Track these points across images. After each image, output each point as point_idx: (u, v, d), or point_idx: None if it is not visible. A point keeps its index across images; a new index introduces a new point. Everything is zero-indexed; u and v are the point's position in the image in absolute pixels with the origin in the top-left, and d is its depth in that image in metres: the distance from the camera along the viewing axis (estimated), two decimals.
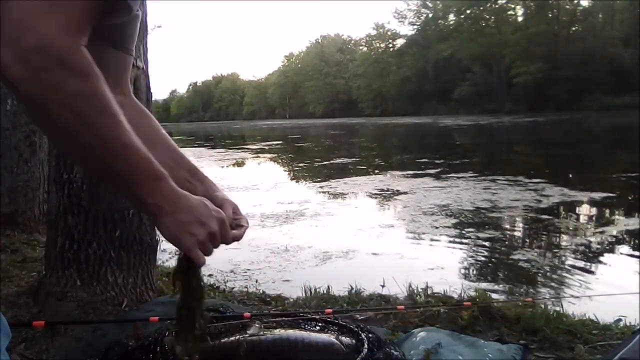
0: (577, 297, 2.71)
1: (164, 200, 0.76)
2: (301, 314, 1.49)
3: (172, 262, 3.18)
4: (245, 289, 2.60)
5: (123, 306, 1.93)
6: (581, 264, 3.48)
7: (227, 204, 1.03)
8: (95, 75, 0.69)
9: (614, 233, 4.27)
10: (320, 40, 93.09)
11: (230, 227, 0.95)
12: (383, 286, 2.64)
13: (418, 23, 68.98)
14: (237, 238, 0.97)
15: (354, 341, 1.26)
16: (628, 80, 37.47)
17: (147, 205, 0.75)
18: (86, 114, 0.68)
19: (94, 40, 0.99)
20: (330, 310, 1.42)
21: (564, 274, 3.27)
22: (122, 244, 2.00)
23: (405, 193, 6.52)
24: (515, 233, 4.63)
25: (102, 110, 0.70)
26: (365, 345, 1.22)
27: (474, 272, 3.42)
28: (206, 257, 0.80)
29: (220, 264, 3.51)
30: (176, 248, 0.78)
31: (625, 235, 4.18)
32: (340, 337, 1.27)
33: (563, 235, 4.31)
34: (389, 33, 76.48)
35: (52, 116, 0.67)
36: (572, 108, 40.18)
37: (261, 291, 2.54)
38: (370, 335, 1.30)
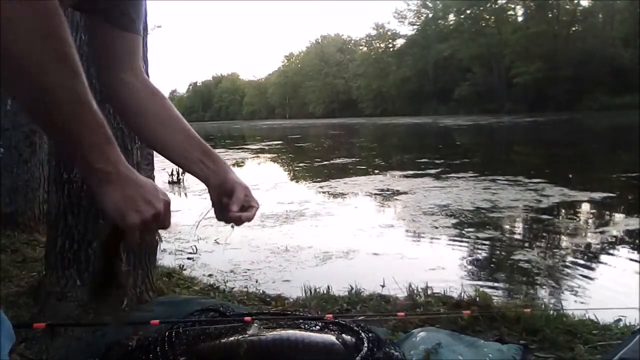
0: (575, 309, 2.72)
1: (113, 168, 0.70)
2: (300, 315, 1.48)
3: (173, 263, 3.18)
4: (245, 289, 2.60)
5: (123, 306, 1.93)
6: (581, 264, 3.47)
7: (238, 187, 1.03)
8: (53, 7, 0.62)
9: (614, 233, 4.27)
10: (320, 40, 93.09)
11: (242, 208, 0.96)
12: (383, 286, 2.64)
13: (418, 23, 68.99)
14: (249, 218, 0.98)
15: (354, 340, 1.26)
16: (628, 80, 37.46)
17: (95, 170, 0.69)
18: (39, 49, 0.62)
19: (100, 22, 0.99)
20: (330, 316, 1.42)
21: (564, 274, 3.27)
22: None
23: (405, 193, 6.52)
24: (515, 233, 4.62)
25: (55, 48, 0.63)
26: (365, 344, 1.22)
27: (474, 272, 3.42)
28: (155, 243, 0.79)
29: (220, 264, 3.51)
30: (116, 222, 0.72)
31: (625, 235, 4.18)
32: (340, 336, 1.27)
33: (563, 235, 4.31)
34: (389, 33, 76.47)
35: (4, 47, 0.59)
36: (572, 108, 40.18)
37: (261, 291, 2.54)
38: (370, 334, 1.30)
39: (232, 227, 1.03)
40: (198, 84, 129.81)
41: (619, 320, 1.92)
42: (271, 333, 1.26)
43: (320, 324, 1.43)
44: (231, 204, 1.00)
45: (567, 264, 3.50)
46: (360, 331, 1.31)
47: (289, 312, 1.51)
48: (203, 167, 1.04)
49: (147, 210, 0.73)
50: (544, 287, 3.04)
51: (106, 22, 0.98)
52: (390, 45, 76.23)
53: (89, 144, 0.68)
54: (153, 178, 2.13)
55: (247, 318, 1.42)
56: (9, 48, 0.60)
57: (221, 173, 1.04)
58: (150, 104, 1.05)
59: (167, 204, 0.76)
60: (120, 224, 0.72)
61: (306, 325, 1.41)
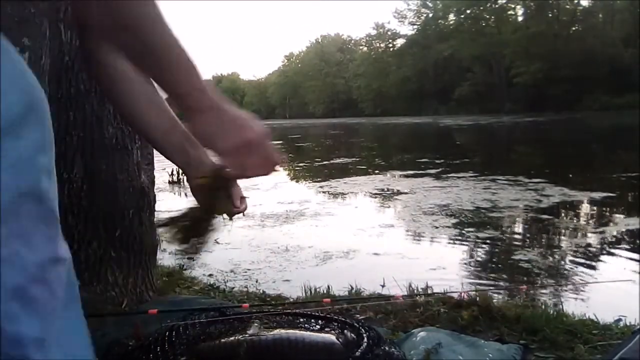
0: (579, 283, 2.72)
1: (206, 96, 0.74)
2: (299, 310, 1.49)
3: (173, 262, 3.18)
4: (245, 289, 2.60)
5: (123, 306, 1.93)
6: (581, 263, 3.48)
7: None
8: None
9: (614, 233, 4.27)
10: (320, 40, 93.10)
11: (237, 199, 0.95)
12: (383, 286, 2.64)
13: (418, 23, 68.99)
14: (246, 209, 0.99)
15: (354, 337, 1.26)
16: (628, 80, 37.46)
17: (190, 93, 0.73)
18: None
19: None
20: (328, 300, 1.42)
21: (565, 274, 3.28)
22: (122, 244, 1.99)
23: (405, 193, 6.52)
24: (516, 233, 4.62)
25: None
26: (365, 341, 1.22)
27: (474, 272, 3.42)
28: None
29: (220, 264, 3.51)
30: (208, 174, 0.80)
31: (625, 235, 4.18)
32: (340, 334, 1.27)
33: (563, 235, 4.31)
34: (389, 33, 76.47)
35: None
36: (572, 108, 40.19)
37: (261, 291, 2.54)
38: (370, 332, 1.30)
39: (231, 220, 1.02)
40: None
41: (619, 320, 1.93)
42: (271, 333, 1.26)
43: (320, 322, 1.43)
44: (234, 198, 1.00)
45: (567, 263, 3.50)
46: (361, 327, 1.31)
47: (288, 309, 1.52)
48: (184, 152, 1.01)
49: (244, 133, 0.76)
50: (544, 287, 3.04)
51: None
52: (391, 45, 76.24)
53: (195, 72, 0.72)
54: (153, 178, 2.13)
55: (245, 305, 1.42)
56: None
57: (205, 162, 1.02)
58: (133, 79, 1.03)
59: (265, 133, 0.79)
60: (215, 150, 0.76)
61: (306, 325, 1.41)
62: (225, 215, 0.97)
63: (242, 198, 1.04)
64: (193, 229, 0.87)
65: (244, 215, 1.00)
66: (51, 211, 0.61)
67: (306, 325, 1.41)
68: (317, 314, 1.49)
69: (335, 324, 1.39)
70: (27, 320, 0.54)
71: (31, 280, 0.55)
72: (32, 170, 0.57)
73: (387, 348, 1.28)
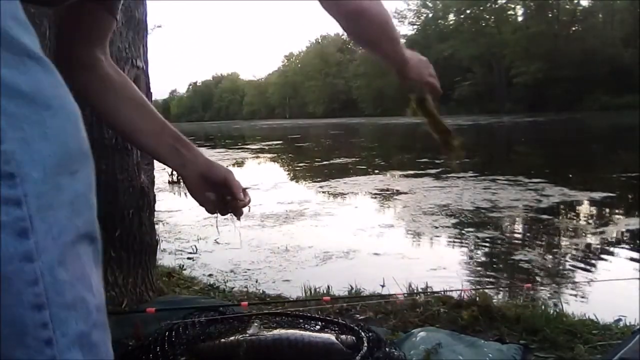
0: (579, 282, 2.72)
1: (406, 51, 1.12)
2: (299, 311, 1.48)
3: (173, 262, 3.18)
4: (245, 289, 2.60)
5: (123, 306, 1.93)
6: (581, 264, 3.48)
7: (229, 174, 1.03)
8: None
9: (614, 233, 4.27)
10: (320, 40, 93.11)
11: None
12: (383, 286, 2.64)
13: (418, 23, 69.03)
14: (249, 203, 1.04)
15: (354, 339, 1.26)
16: (628, 80, 37.46)
17: (401, 52, 1.10)
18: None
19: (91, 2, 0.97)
20: (328, 298, 1.42)
21: (565, 274, 3.28)
22: (122, 244, 2.00)
23: (405, 193, 6.52)
24: (516, 233, 4.63)
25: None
26: (365, 344, 1.22)
27: (474, 272, 3.42)
28: None
29: (220, 264, 3.51)
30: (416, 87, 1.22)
31: (625, 235, 4.18)
32: (340, 336, 1.27)
33: (563, 235, 4.31)
34: None
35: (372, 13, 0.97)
36: (572, 108, 40.18)
37: (261, 291, 2.54)
38: (370, 334, 1.30)
39: (238, 218, 1.02)
40: (198, 84, 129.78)
41: (619, 320, 1.93)
42: (271, 333, 1.26)
43: (320, 323, 1.43)
44: (237, 194, 1.00)
45: (567, 263, 3.50)
46: (360, 331, 1.31)
47: (287, 309, 1.52)
48: (177, 154, 1.01)
49: (430, 70, 1.25)
50: (544, 286, 3.04)
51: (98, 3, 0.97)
52: None
53: (397, 34, 1.10)
54: (153, 178, 2.13)
55: (244, 303, 1.42)
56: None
57: (200, 161, 1.02)
58: (121, 84, 1.03)
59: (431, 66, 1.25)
60: (422, 84, 1.22)
61: (306, 325, 1.41)
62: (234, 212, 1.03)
63: (245, 190, 1.04)
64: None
65: (249, 210, 1.03)
66: (100, 252, 0.59)
67: (305, 326, 1.41)
68: (316, 315, 1.49)
69: (335, 326, 1.39)
70: None
71: (92, 325, 0.53)
72: (88, 209, 0.56)
73: (387, 349, 1.28)
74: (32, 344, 0.48)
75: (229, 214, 1.03)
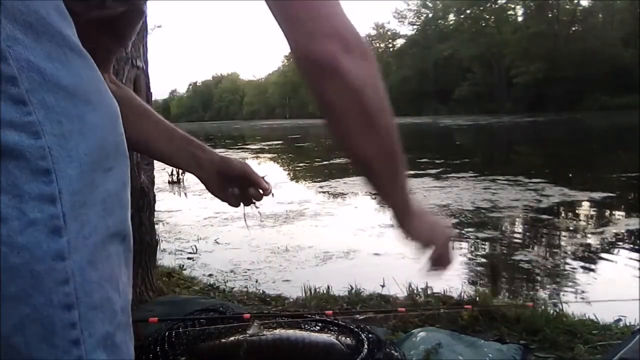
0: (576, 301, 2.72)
1: (412, 200, 0.86)
2: (300, 314, 1.48)
3: (173, 263, 3.18)
4: (245, 289, 2.60)
5: None
6: (581, 264, 3.48)
7: (246, 166, 1.05)
8: (376, 62, 0.75)
9: (614, 233, 4.27)
10: None
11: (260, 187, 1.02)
12: (383, 286, 2.64)
13: (418, 23, 69.01)
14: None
15: (354, 342, 1.26)
16: (628, 80, 37.48)
17: (411, 204, 0.85)
18: (381, 97, 0.73)
19: (97, 28, 0.97)
20: (330, 312, 1.42)
21: (564, 274, 3.28)
22: None
23: None
24: (516, 233, 4.63)
25: (384, 94, 0.74)
26: (365, 346, 1.22)
27: (474, 272, 3.42)
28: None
29: (220, 264, 3.51)
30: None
31: (625, 235, 4.18)
32: (340, 337, 1.27)
33: (563, 235, 4.31)
34: (389, 33, 76.52)
35: (365, 100, 0.70)
36: (572, 108, 40.19)
37: (261, 291, 2.54)
38: (370, 335, 1.30)
39: (258, 207, 1.05)
40: (198, 84, 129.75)
41: (619, 320, 1.93)
42: (271, 333, 1.26)
43: (320, 324, 1.43)
44: (260, 183, 1.03)
45: (567, 263, 3.50)
46: (360, 332, 1.31)
47: (288, 312, 1.52)
48: (193, 158, 1.02)
49: (445, 232, 0.91)
50: (544, 287, 3.04)
51: (101, 31, 0.97)
52: (390, 45, 76.28)
53: (407, 182, 0.83)
54: (153, 178, 2.13)
55: (246, 315, 1.42)
56: (371, 100, 0.71)
57: (216, 160, 1.03)
58: (127, 100, 1.03)
59: (451, 230, 0.94)
60: (429, 246, 0.90)
61: (306, 326, 1.41)
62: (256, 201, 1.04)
63: (264, 178, 1.07)
64: None
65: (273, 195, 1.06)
66: (131, 251, 0.58)
67: (306, 327, 1.41)
68: (317, 317, 1.49)
69: (335, 327, 1.39)
70: None
71: (117, 326, 0.53)
72: (120, 207, 0.55)
73: (387, 350, 1.28)
74: (60, 344, 0.47)
75: (253, 204, 1.06)
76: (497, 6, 58.48)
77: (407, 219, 0.87)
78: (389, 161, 0.80)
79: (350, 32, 0.69)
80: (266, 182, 1.04)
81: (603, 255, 3.72)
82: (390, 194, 0.85)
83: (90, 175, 0.50)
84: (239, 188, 1.04)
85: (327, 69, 0.67)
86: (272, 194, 1.05)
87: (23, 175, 0.45)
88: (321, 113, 0.75)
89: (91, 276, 0.49)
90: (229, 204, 1.04)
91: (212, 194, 1.03)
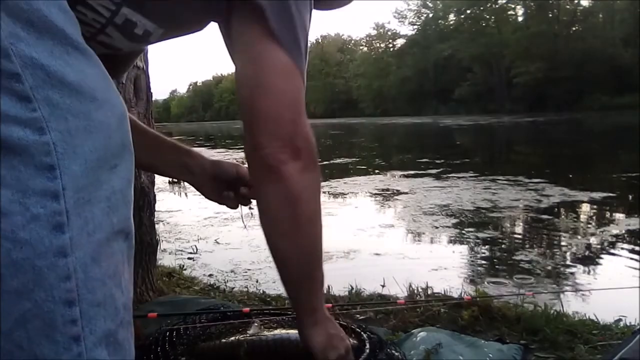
0: (578, 291, 2.72)
1: (322, 312, 0.85)
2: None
3: (173, 263, 3.18)
4: (246, 289, 2.60)
5: None
6: (582, 264, 3.48)
7: (238, 167, 1.04)
8: (320, 173, 0.80)
9: (615, 233, 4.27)
10: (320, 40, 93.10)
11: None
12: (383, 286, 2.64)
13: (418, 23, 69.00)
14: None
15: (355, 342, 1.26)
16: (628, 80, 37.47)
17: (315, 311, 0.84)
18: (318, 205, 0.76)
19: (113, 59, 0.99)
20: (329, 305, 1.42)
21: (565, 274, 3.28)
22: None
23: (405, 193, 6.52)
24: (516, 233, 4.63)
25: (321, 210, 0.78)
26: (367, 346, 1.22)
27: (475, 272, 3.42)
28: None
29: (221, 264, 3.51)
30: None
31: (625, 235, 4.18)
32: None
33: (563, 235, 4.31)
34: (389, 33, 76.53)
35: (301, 207, 0.74)
36: (572, 108, 40.18)
37: (261, 291, 2.54)
38: (372, 335, 1.30)
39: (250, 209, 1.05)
40: (198, 84, 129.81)
41: (619, 320, 1.93)
42: (271, 332, 1.26)
43: None
44: (246, 183, 1.05)
45: (567, 263, 3.50)
46: (362, 332, 1.31)
47: (289, 312, 1.52)
48: (184, 166, 1.04)
49: (342, 347, 0.89)
50: (545, 287, 3.04)
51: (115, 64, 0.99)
52: (391, 45, 76.28)
53: (318, 289, 0.82)
54: (153, 178, 2.13)
55: (246, 309, 1.42)
56: (304, 209, 0.74)
57: (207, 165, 1.04)
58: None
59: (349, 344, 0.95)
60: (321, 357, 0.86)
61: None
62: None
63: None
64: None
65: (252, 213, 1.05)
66: (133, 248, 0.58)
67: None
68: None
69: None
70: None
71: (119, 324, 0.52)
72: (125, 205, 0.55)
73: (389, 350, 1.28)
74: (60, 340, 0.47)
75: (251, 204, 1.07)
76: (497, 6, 58.47)
77: (306, 324, 0.86)
78: (303, 266, 0.81)
79: (304, 140, 0.72)
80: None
81: (603, 255, 3.72)
82: (296, 295, 0.86)
83: (96, 172, 0.50)
84: (234, 190, 1.04)
85: (272, 172, 0.71)
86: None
87: (27, 171, 0.45)
88: (257, 206, 0.82)
89: (94, 273, 0.50)
90: (227, 207, 1.05)
91: (208, 198, 1.04)
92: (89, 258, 0.49)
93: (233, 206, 1.05)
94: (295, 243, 0.78)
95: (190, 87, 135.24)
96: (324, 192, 7.09)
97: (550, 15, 52.52)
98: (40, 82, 0.46)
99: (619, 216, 5.08)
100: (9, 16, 0.44)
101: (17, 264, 0.45)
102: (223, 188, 1.04)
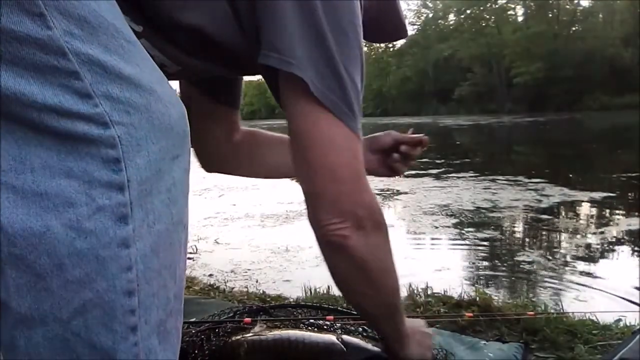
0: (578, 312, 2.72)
1: (407, 326, 0.93)
2: (302, 318, 1.49)
3: None
4: (246, 289, 2.60)
5: None
6: (581, 264, 3.48)
7: (393, 134, 1.12)
8: (387, 228, 0.80)
9: (615, 233, 4.27)
10: None
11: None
12: None
13: (418, 23, 69.01)
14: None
15: (356, 342, 1.25)
16: (628, 80, 37.44)
17: (401, 338, 0.92)
18: (390, 263, 0.79)
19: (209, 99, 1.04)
20: (331, 317, 1.43)
21: (565, 274, 3.28)
22: None
23: (405, 193, 6.52)
24: (516, 233, 4.63)
25: (393, 257, 0.81)
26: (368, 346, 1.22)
27: (475, 272, 3.42)
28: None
29: (221, 264, 3.51)
30: None
31: (625, 235, 4.18)
32: (340, 336, 1.27)
33: (563, 235, 4.31)
34: None
35: (371, 272, 0.77)
36: (572, 108, 40.16)
37: (261, 291, 2.54)
38: (372, 335, 1.30)
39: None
40: None
41: (619, 320, 1.93)
42: (272, 333, 1.26)
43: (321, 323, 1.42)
44: (410, 140, 1.09)
45: (568, 264, 3.50)
46: (363, 333, 1.31)
47: (289, 306, 1.52)
48: None
49: (429, 343, 1.01)
50: (545, 287, 3.04)
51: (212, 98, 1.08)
52: (391, 45, 76.19)
53: (401, 317, 0.90)
54: None
55: (247, 320, 1.42)
56: (373, 269, 0.77)
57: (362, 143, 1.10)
58: (250, 136, 1.15)
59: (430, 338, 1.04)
60: None
61: (308, 327, 1.41)
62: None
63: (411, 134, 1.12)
64: None
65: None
66: (187, 236, 0.59)
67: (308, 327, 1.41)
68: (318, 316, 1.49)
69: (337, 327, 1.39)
70: (163, 355, 0.52)
71: (169, 313, 0.53)
72: (183, 196, 0.55)
73: None
74: (118, 329, 0.48)
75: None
76: (497, 6, 58.49)
77: (397, 349, 0.93)
78: (383, 314, 0.87)
79: (365, 208, 0.73)
80: (413, 136, 1.09)
81: (603, 255, 3.72)
82: (386, 333, 0.93)
83: (158, 164, 0.50)
84: (399, 154, 1.10)
85: (337, 247, 0.74)
86: (423, 142, 1.10)
87: (94, 163, 0.46)
88: (330, 275, 0.84)
89: (153, 264, 0.50)
90: (398, 174, 1.12)
91: (374, 175, 1.10)
92: (149, 249, 0.49)
93: (402, 169, 1.12)
94: (371, 299, 0.82)
95: None
96: None
97: (550, 15, 52.53)
98: (99, 77, 0.47)
99: (619, 216, 5.08)
100: (62, 14, 0.45)
101: (81, 254, 0.45)
102: (386, 157, 1.10)
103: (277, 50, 0.67)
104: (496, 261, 3.67)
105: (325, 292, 2.40)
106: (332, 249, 0.73)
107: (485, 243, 4.06)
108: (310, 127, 0.69)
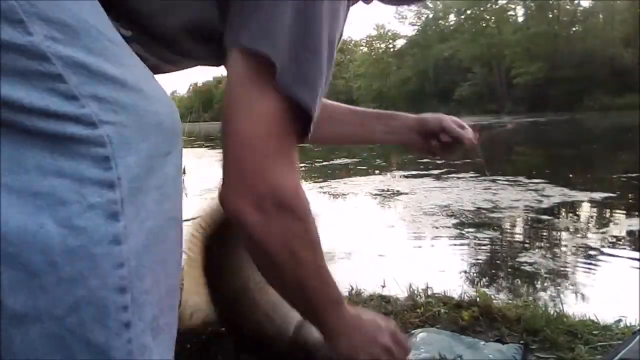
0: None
1: (341, 321, 0.81)
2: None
3: None
4: None
5: None
6: (581, 264, 3.48)
7: (441, 118, 1.10)
8: (310, 216, 0.77)
9: (615, 233, 4.27)
10: None
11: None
12: (383, 286, 2.64)
13: (418, 23, 69.03)
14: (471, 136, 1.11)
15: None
16: (628, 80, 37.45)
17: (327, 324, 0.81)
18: (299, 251, 0.73)
19: None
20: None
21: (565, 274, 3.28)
22: None
23: (405, 193, 6.52)
24: (516, 233, 4.63)
25: (311, 246, 0.77)
26: None
27: (475, 272, 3.42)
28: None
29: None
30: None
31: (625, 236, 4.18)
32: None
33: (563, 236, 4.31)
34: (390, 33, 76.50)
35: (272, 256, 0.71)
36: (573, 108, 40.15)
37: None
38: None
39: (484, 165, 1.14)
40: (198, 84, 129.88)
41: (620, 320, 1.92)
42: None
43: None
44: (460, 128, 1.09)
45: (568, 264, 3.50)
46: None
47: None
48: (385, 128, 1.11)
49: (377, 351, 0.82)
50: (545, 287, 3.04)
51: None
52: (391, 46, 76.27)
53: (322, 308, 0.79)
54: None
55: None
56: (275, 258, 0.72)
57: (411, 122, 1.10)
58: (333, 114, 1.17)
59: (393, 333, 0.87)
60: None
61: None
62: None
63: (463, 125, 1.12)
64: None
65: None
66: (182, 234, 0.59)
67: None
68: None
69: None
70: (156, 351, 0.53)
71: (161, 310, 0.53)
72: (176, 192, 0.56)
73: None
74: (112, 326, 0.48)
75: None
76: (497, 6, 58.49)
77: (335, 339, 0.81)
78: (303, 303, 0.80)
79: (270, 185, 0.67)
80: (466, 130, 1.10)
81: (603, 255, 3.72)
82: (315, 326, 0.85)
83: (149, 161, 0.51)
84: (440, 139, 1.11)
85: (236, 222, 0.69)
86: (476, 140, 1.10)
87: (84, 162, 0.47)
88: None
89: (145, 260, 0.50)
90: (439, 156, 1.13)
91: (417, 151, 1.13)
92: (141, 246, 0.50)
93: (443, 154, 1.13)
94: (280, 288, 0.79)
95: (191, 87, 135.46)
96: (325, 193, 7.09)
97: (551, 15, 52.53)
98: (84, 79, 0.47)
99: (619, 216, 5.08)
100: (42, 19, 0.45)
101: (73, 251, 0.46)
102: (430, 139, 1.11)
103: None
104: (497, 261, 3.67)
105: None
106: (235, 221, 0.68)
107: (485, 243, 4.05)
108: (239, 88, 0.64)
